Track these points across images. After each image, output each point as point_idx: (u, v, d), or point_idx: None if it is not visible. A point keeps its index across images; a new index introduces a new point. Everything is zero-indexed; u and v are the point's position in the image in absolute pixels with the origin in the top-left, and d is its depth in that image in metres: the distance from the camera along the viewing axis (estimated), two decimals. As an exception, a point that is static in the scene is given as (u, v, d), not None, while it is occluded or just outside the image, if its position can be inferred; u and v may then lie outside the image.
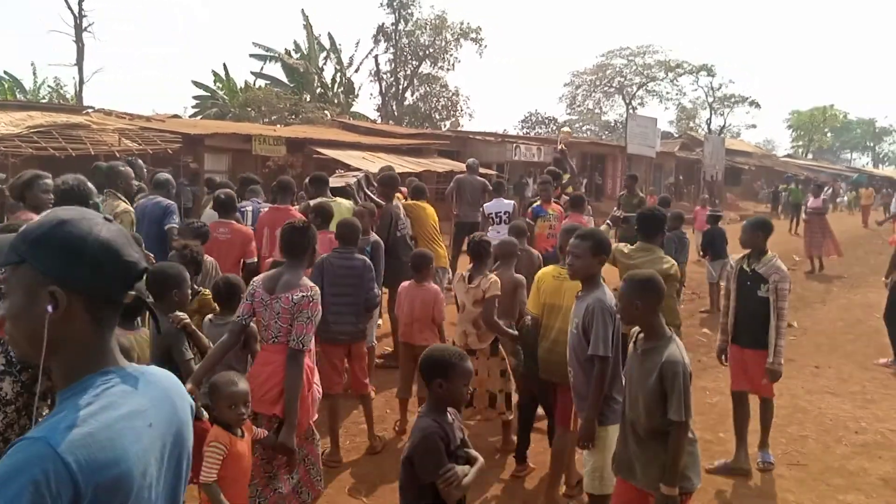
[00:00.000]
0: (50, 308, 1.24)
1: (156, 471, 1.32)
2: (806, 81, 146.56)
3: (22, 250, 1.26)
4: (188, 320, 3.67)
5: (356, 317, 5.09)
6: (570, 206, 8.88)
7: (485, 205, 9.62)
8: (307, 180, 7.40)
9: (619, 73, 50.35)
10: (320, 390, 4.03)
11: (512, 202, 9.63)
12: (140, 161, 7.77)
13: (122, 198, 5.80)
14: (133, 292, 1.35)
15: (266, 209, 6.84)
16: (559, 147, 14.39)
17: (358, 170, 11.26)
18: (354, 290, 5.07)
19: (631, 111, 43.43)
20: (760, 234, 5.04)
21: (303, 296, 3.62)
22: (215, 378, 3.36)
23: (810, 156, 64.88)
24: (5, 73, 29.73)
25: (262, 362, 3.77)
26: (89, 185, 4.91)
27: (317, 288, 3.75)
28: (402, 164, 16.84)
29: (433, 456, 2.63)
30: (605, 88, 51.91)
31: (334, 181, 7.92)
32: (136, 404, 1.31)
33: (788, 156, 58.30)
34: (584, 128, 57.83)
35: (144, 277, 3.62)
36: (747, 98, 50.39)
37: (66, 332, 1.28)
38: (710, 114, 51.91)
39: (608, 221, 7.09)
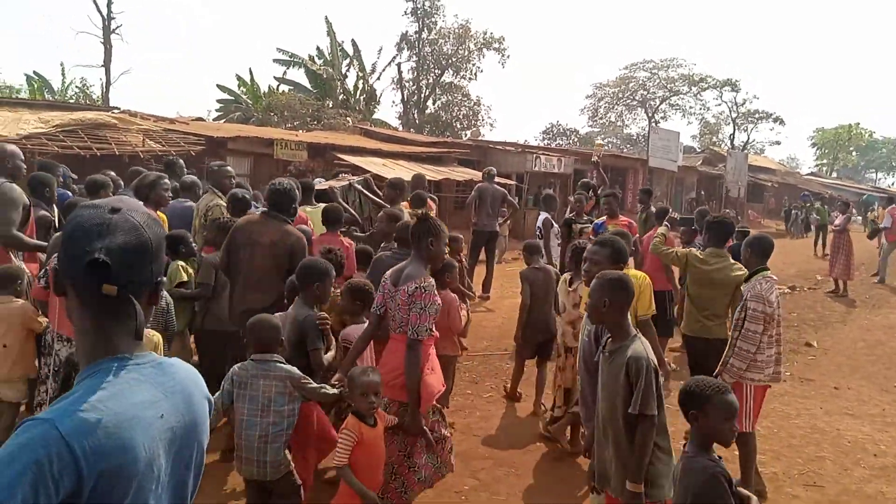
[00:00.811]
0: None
1: (164, 462, 1.32)
2: (831, 99, 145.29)
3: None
4: (329, 322, 4.07)
5: None
6: (655, 217, 8.77)
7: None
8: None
9: (641, 86, 50.25)
10: (443, 381, 4.15)
11: (546, 215, 9.54)
12: (181, 161, 7.95)
13: (220, 194, 6.34)
14: (113, 286, 1.28)
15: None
16: (593, 159, 14.50)
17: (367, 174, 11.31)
18: None
19: (653, 124, 43.26)
20: (748, 251, 4.89)
21: (416, 287, 3.74)
22: (352, 370, 3.63)
23: (835, 174, 64.19)
24: (34, 73, 30.27)
25: (390, 350, 3.96)
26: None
27: (432, 280, 3.86)
28: (422, 172, 16.85)
29: (723, 500, 2.60)
30: (628, 101, 51.84)
31: (334, 184, 8.08)
32: (149, 394, 1.31)
33: (812, 174, 57.70)
34: (605, 140, 57.68)
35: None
36: (772, 114, 50.05)
37: (73, 318, 1.34)
38: (734, 129, 51.63)
39: (666, 223, 7.17)
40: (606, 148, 36.50)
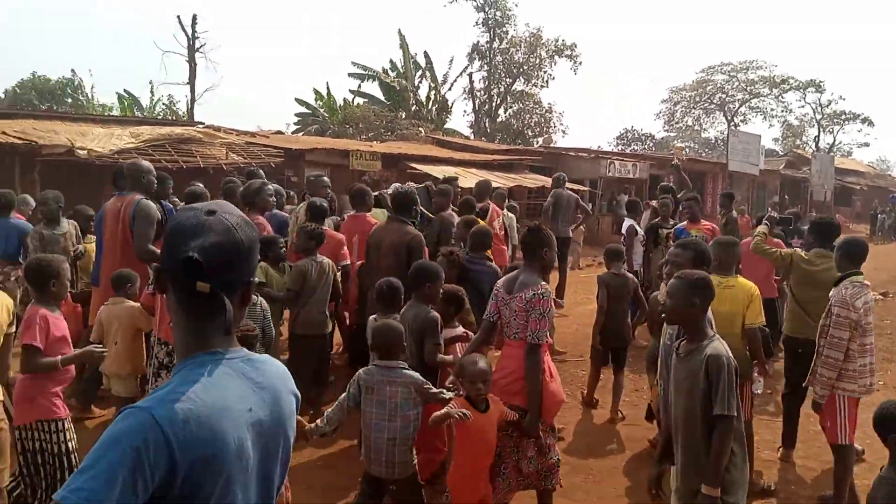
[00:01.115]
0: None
1: (252, 454, 1.36)
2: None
3: None
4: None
5: None
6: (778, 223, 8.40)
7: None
8: (350, 194, 7.38)
9: (720, 89, 48.90)
10: (562, 394, 4.22)
11: (631, 222, 9.38)
12: (260, 171, 8.28)
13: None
14: (206, 283, 1.34)
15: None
16: (674, 162, 14.25)
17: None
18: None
19: (732, 128, 41.99)
20: (838, 254, 4.74)
21: (534, 294, 3.85)
22: (462, 359, 3.92)
23: (930, 176, 60.75)
24: (125, 91, 31.85)
25: (506, 356, 4.06)
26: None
27: (547, 286, 3.96)
28: (492, 180, 16.88)
29: None
30: (706, 105, 50.50)
31: (412, 184, 8.66)
32: (239, 388, 1.37)
33: (905, 176, 54.76)
34: (683, 144, 56.33)
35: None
36: (859, 115, 47.84)
37: (171, 314, 1.43)
38: (819, 131, 49.62)
39: (766, 222, 6.99)
40: (686, 151, 35.67)
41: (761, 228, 6.46)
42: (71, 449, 3.71)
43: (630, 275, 6.61)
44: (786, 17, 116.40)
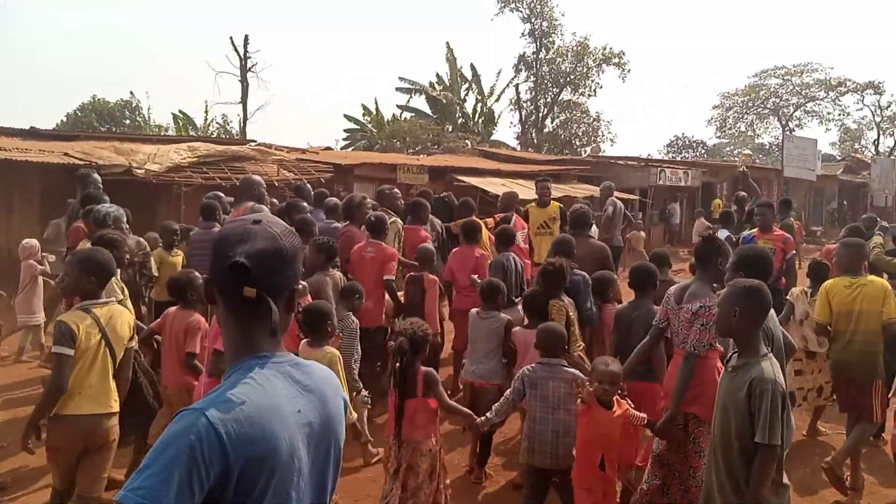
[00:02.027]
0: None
1: (305, 456, 1.40)
2: None
3: None
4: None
5: None
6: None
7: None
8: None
9: (773, 93, 47.71)
10: None
11: (725, 232, 9.01)
12: (308, 186, 8.59)
13: (393, 213, 7.15)
14: (254, 288, 1.39)
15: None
16: (741, 169, 14.10)
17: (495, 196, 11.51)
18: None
19: (787, 133, 40.94)
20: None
21: (700, 306, 3.89)
22: (595, 360, 4.08)
23: None
24: (180, 111, 32.82)
25: (675, 364, 4.11)
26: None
27: (716, 298, 3.93)
28: (514, 191, 16.86)
29: None
30: (759, 110, 49.32)
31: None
32: (287, 390, 1.41)
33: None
34: (734, 151, 55.15)
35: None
36: (922, 115, 46.03)
37: (221, 322, 1.49)
38: (878, 134, 47.89)
39: (879, 231, 7.00)
40: (727, 159, 34.87)
41: (878, 240, 6.48)
42: None
43: (678, 279, 6.47)
44: (841, 18, 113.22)
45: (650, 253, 6.96)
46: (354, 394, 4.86)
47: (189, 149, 13.61)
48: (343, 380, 4.27)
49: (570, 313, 5.07)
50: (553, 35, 37.88)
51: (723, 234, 9.02)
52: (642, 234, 17.05)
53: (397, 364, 3.93)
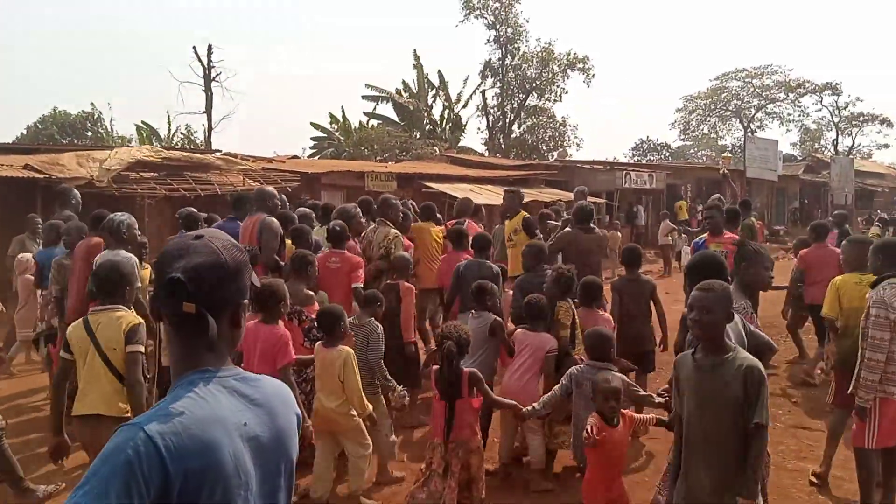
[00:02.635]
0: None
1: (253, 471, 1.38)
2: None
3: None
4: None
5: None
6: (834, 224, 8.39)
7: None
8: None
9: (735, 95, 48.68)
10: None
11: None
12: (283, 197, 8.53)
13: (391, 224, 6.94)
14: (192, 304, 1.39)
15: None
16: (723, 171, 14.24)
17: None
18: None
19: (749, 134, 41.72)
20: (876, 256, 4.70)
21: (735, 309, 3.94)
22: (597, 377, 4.05)
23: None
24: (143, 122, 32.39)
25: None
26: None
27: (744, 304, 3.97)
28: (468, 197, 16.99)
29: None
30: (721, 112, 50.26)
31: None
32: (231, 403, 1.40)
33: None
34: (699, 153, 56.03)
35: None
36: (878, 116, 47.27)
37: (168, 339, 1.52)
38: (837, 134, 49.11)
39: (878, 223, 7.07)
40: (701, 161, 35.50)
41: (875, 230, 6.58)
42: None
43: (647, 278, 6.55)
44: (798, 20, 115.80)
45: (622, 249, 7.06)
46: (391, 392, 5.00)
47: (151, 150, 13.45)
48: (351, 381, 4.49)
49: (576, 316, 5.28)
50: (518, 41, 38.19)
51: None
52: (619, 234, 17.29)
53: (445, 367, 4.11)
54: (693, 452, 3.19)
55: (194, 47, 27.46)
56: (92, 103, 37.75)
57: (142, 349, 3.76)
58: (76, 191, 7.43)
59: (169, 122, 32.61)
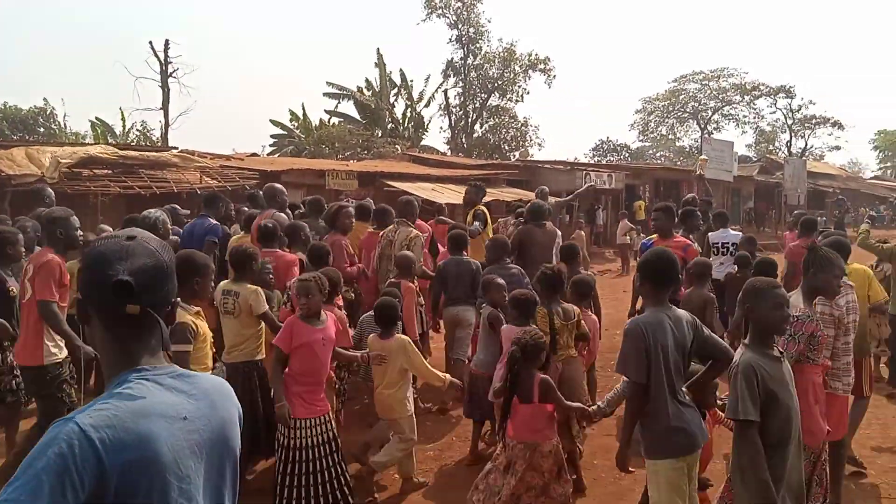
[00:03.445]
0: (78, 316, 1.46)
1: (194, 464, 1.38)
2: (894, 99, 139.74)
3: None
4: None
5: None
6: (804, 228, 8.29)
7: (710, 234, 8.91)
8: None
9: (692, 97, 49.53)
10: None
11: (739, 233, 9.04)
12: (260, 193, 8.32)
13: (412, 225, 7.07)
14: (137, 304, 1.39)
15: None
16: (698, 173, 14.51)
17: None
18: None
19: (706, 136, 42.49)
20: None
21: (796, 316, 3.91)
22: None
23: (901, 177, 61.79)
24: (97, 118, 31.63)
25: None
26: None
27: (808, 311, 3.96)
28: (410, 198, 17.03)
29: None
30: (679, 114, 51.07)
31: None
32: (169, 398, 1.39)
33: (876, 177, 55.60)
34: (657, 154, 56.88)
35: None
36: (829, 119, 48.55)
37: (94, 339, 1.46)
38: (791, 136, 50.32)
39: (867, 220, 7.45)
40: (659, 162, 36.01)
41: (865, 227, 6.99)
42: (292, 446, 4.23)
43: (588, 274, 6.78)
44: (753, 24, 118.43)
45: (561, 247, 7.17)
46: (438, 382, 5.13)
47: (105, 148, 13.15)
48: (417, 363, 4.87)
49: (558, 320, 5.11)
50: (480, 41, 38.32)
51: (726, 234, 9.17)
52: (583, 233, 17.47)
53: (507, 370, 4.23)
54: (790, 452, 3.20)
55: (150, 42, 26.99)
56: (44, 98, 36.84)
57: (183, 348, 3.73)
58: (50, 189, 7.44)
59: (124, 119, 31.92)
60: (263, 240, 6.09)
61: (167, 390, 1.40)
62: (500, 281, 5.73)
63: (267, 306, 4.84)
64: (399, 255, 6.47)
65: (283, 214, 6.66)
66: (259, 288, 4.85)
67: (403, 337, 4.94)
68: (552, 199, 10.57)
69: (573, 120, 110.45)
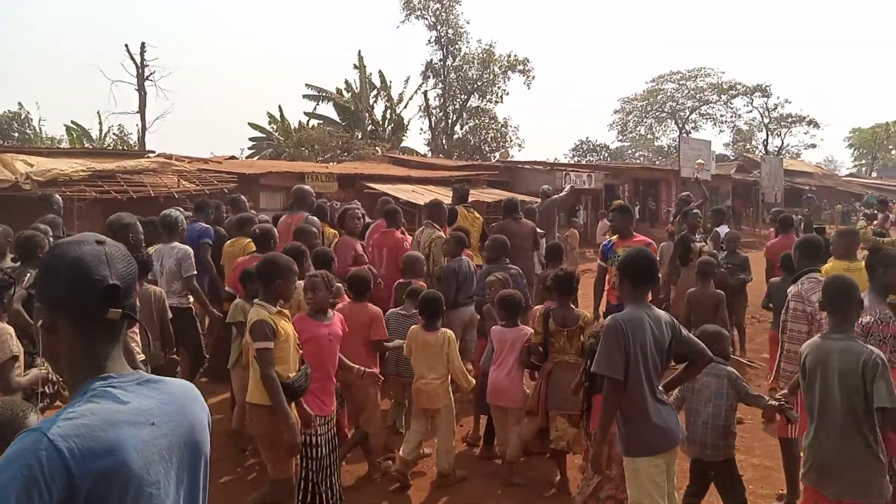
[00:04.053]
0: (39, 324, 1.41)
1: (164, 469, 1.37)
2: (868, 98, 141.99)
3: (31, 283, 1.44)
4: None
5: None
6: (781, 226, 8.51)
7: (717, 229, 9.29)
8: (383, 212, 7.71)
9: (670, 97, 49.90)
10: None
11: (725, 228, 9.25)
12: (243, 197, 8.43)
13: (437, 227, 7.29)
14: (118, 309, 1.40)
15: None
16: (696, 176, 15.16)
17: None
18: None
19: (684, 135, 42.83)
20: (797, 252, 4.99)
21: (871, 320, 3.88)
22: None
23: (875, 174, 62.66)
24: (73, 122, 31.24)
25: None
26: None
27: (889, 311, 3.96)
28: (450, 196, 16.97)
29: None
30: (657, 114, 51.43)
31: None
32: (137, 403, 1.38)
33: (851, 175, 56.37)
34: (636, 154, 57.27)
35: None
36: (805, 117, 49.12)
37: (57, 345, 1.42)
38: (767, 135, 50.83)
39: (862, 217, 7.71)
40: (638, 161, 36.22)
41: (861, 223, 7.15)
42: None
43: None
44: (730, 23, 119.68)
45: (546, 247, 7.24)
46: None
47: (82, 165, 12.97)
48: (454, 359, 5.03)
49: (553, 324, 4.97)
50: (459, 42, 38.37)
51: (723, 230, 9.31)
52: (577, 232, 17.53)
53: (588, 363, 4.18)
54: (833, 423, 3.39)
55: (126, 45, 26.68)
56: (19, 103, 36.39)
57: (264, 345, 3.83)
58: (58, 196, 7.74)
59: (101, 123, 31.56)
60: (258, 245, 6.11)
61: (135, 396, 1.39)
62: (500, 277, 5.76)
63: None
64: (405, 255, 6.47)
65: (314, 218, 6.79)
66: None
67: (447, 331, 5.09)
68: (558, 196, 10.63)
69: (553, 120, 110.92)
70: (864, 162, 66.12)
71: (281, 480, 4.04)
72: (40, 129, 34.41)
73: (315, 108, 35.38)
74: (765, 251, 8.64)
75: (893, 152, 68.60)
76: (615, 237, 6.69)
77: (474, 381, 5.24)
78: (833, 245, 5.68)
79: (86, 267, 1.39)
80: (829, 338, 3.45)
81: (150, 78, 27.00)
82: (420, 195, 17.06)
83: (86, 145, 28.75)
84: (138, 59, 26.76)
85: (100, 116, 30.95)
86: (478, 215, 8.66)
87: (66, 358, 1.43)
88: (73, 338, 1.41)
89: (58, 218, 6.90)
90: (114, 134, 32.66)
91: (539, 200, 11.22)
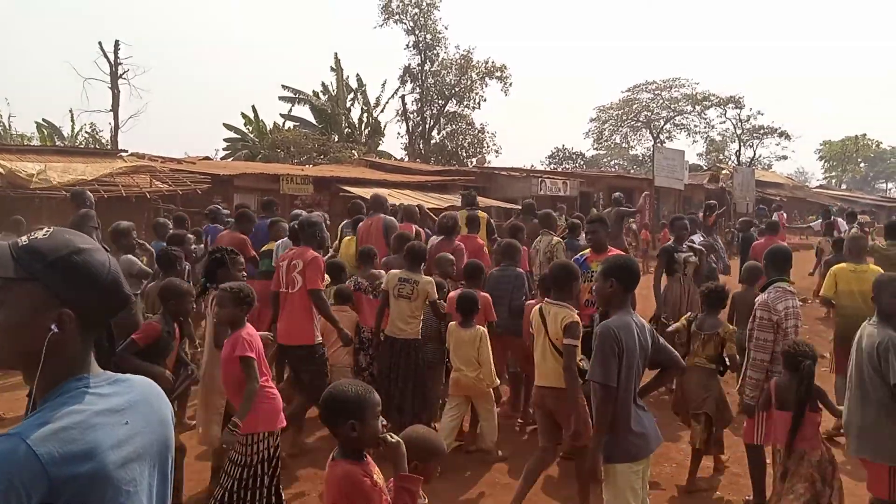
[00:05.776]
0: (54, 327, 1.34)
1: (139, 466, 1.39)
2: (838, 111, 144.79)
3: (36, 269, 1.34)
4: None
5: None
6: (768, 229, 9.44)
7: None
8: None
9: (645, 107, 50.40)
10: None
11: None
12: (218, 207, 8.87)
13: (553, 233, 7.69)
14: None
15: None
16: (721, 185, 15.83)
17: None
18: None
19: (658, 144, 43.27)
20: (765, 261, 5.18)
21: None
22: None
23: (844, 186, 63.81)
24: (44, 120, 30.71)
25: None
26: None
27: None
28: (427, 201, 16.99)
29: None
30: (632, 123, 51.92)
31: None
32: (111, 403, 1.38)
33: (821, 186, 57.34)
34: (611, 162, 57.74)
35: None
36: (777, 129, 49.88)
37: (59, 348, 1.36)
38: (740, 146, 51.51)
39: (856, 226, 8.12)
40: (614, 170, 36.50)
41: (855, 230, 8.13)
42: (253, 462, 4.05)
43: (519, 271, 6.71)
44: (704, 34, 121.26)
45: (499, 244, 7.38)
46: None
47: (65, 171, 12.77)
48: (484, 355, 5.42)
49: (695, 326, 5.40)
50: (437, 48, 38.43)
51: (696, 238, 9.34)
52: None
53: (804, 383, 4.17)
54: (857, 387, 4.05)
55: (100, 43, 26.33)
56: (-12, 99, 35.61)
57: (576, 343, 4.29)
58: (89, 192, 8.12)
59: (73, 121, 31.08)
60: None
61: (108, 398, 1.39)
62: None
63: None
64: (437, 256, 6.67)
65: (392, 219, 7.58)
66: (432, 279, 5.83)
67: (480, 328, 5.46)
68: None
69: (530, 127, 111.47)
70: (833, 174, 67.28)
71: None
72: (10, 126, 33.73)
73: (290, 110, 35.23)
74: (751, 252, 9.45)
75: (863, 165, 70.02)
76: (588, 251, 6.26)
77: (498, 381, 5.57)
78: (847, 248, 6.81)
79: (119, 282, 1.45)
80: (870, 323, 4.04)
81: (124, 76, 26.69)
82: (396, 199, 17.01)
83: (57, 143, 28.30)
84: (112, 58, 26.43)
85: (72, 114, 30.54)
86: (483, 214, 8.82)
87: (60, 360, 1.39)
88: (78, 343, 1.40)
89: (90, 211, 7.05)
90: (86, 132, 32.19)
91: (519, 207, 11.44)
